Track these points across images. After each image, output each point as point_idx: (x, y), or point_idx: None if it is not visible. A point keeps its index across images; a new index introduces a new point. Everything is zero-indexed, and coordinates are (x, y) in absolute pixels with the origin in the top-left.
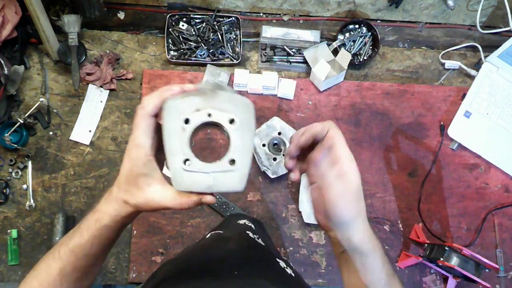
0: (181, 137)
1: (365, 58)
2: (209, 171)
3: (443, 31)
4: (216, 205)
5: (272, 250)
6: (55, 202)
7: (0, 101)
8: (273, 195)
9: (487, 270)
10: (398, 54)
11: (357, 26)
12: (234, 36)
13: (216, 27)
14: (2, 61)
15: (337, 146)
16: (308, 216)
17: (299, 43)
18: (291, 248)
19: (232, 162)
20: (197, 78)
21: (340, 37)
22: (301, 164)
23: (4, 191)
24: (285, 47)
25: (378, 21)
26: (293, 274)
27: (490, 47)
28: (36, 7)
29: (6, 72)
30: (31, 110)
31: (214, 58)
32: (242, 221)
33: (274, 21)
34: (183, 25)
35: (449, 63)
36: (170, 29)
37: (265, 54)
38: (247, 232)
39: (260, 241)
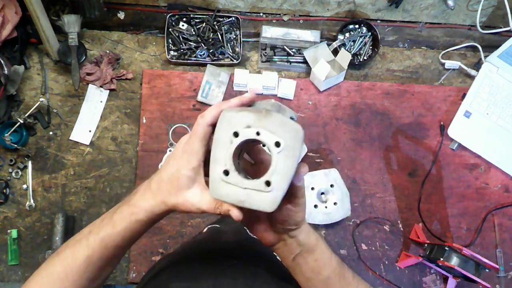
0: (227, 148)
1: (365, 58)
2: (244, 187)
3: (443, 31)
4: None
5: None
6: (55, 202)
7: (0, 101)
8: None
9: (487, 270)
10: (398, 54)
11: (357, 26)
12: (234, 36)
13: (216, 27)
14: (2, 61)
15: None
16: (308, 216)
17: (299, 43)
18: None
19: (268, 183)
20: (197, 78)
21: (340, 37)
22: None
23: (4, 191)
24: (285, 47)
25: (378, 21)
26: None
27: (490, 47)
28: (36, 7)
29: (6, 72)
30: (31, 110)
31: (214, 58)
32: None
33: (274, 21)
34: (183, 25)
35: (449, 63)
36: (170, 29)
37: (265, 54)
38: (245, 227)
39: None
